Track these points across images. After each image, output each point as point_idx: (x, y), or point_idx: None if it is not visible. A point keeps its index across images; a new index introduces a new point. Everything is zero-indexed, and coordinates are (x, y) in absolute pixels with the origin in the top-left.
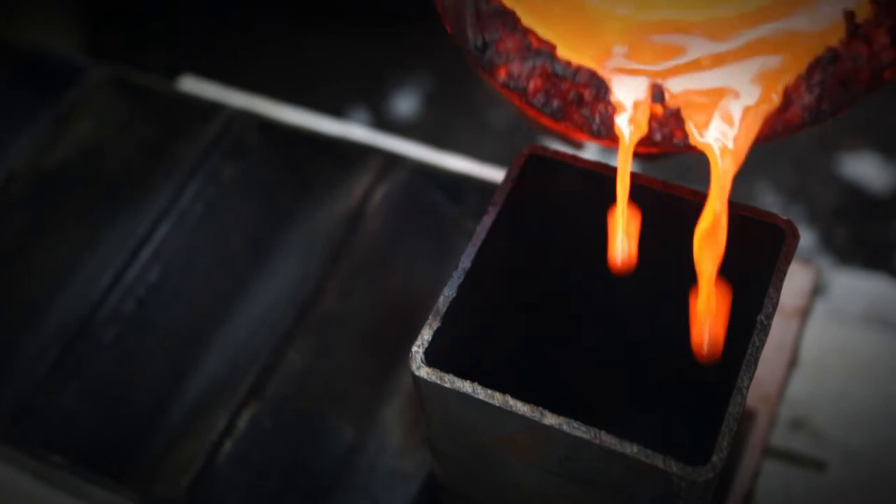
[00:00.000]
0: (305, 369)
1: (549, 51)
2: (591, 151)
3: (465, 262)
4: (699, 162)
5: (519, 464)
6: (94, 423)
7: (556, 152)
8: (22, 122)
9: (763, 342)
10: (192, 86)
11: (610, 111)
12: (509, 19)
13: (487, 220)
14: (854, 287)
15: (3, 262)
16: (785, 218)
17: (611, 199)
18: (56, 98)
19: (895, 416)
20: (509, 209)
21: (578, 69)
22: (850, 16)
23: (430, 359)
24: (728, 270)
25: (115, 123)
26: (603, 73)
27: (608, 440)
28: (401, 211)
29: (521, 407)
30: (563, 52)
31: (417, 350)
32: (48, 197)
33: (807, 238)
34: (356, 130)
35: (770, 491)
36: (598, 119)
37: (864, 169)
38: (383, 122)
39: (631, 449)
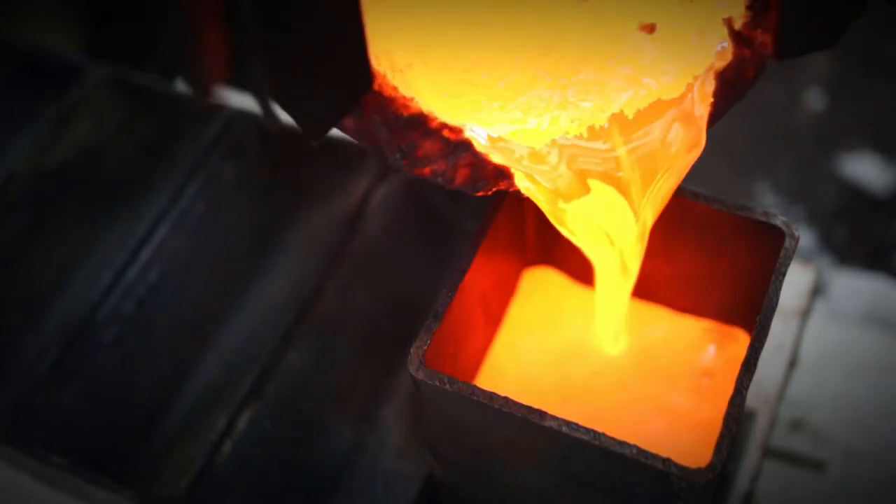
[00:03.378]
0: (305, 370)
1: (467, 141)
2: None
3: (464, 263)
4: (698, 163)
5: (519, 465)
6: (94, 423)
7: None
8: (22, 122)
9: (762, 343)
10: None
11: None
12: (422, 125)
13: (486, 221)
14: (854, 287)
15: (3, 262)
16: (784, 219)
17: None
18: (56, 98)
19: (895, 416)
20: (508, 210)
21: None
22: (729, 24)
23: (429, 360)
24: (728, 271)
25: (115, 123)
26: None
27: (607, 441)
28: (400, 211)
29: (520, 408)
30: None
31: (416, 352)
32: (48, 197)
33: (807, 238)
34: None
35: (770, 491)
36: (523, 186)
37: (864, 169)
38: None
39: (630, 450)
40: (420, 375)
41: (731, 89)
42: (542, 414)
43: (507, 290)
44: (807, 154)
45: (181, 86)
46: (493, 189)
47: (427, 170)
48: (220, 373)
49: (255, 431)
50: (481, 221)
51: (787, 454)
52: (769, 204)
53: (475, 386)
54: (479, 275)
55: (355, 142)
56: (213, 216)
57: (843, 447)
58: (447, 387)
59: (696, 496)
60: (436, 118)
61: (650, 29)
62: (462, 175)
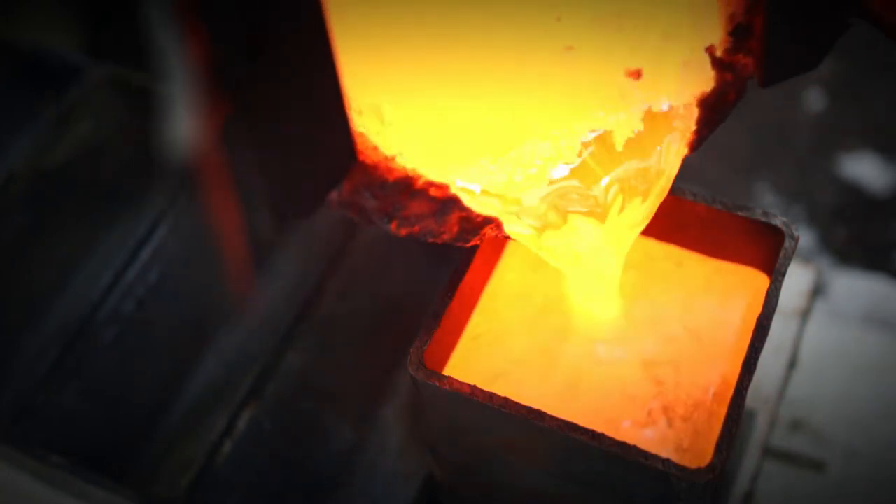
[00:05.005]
0: (305, 370)
1: (454, 198)
2: None
3: (464, 263)
4: (698, 163)
5: (518, 465)
6: (94, 423)
7: None
8: (22, 122)
9: (762, 344)
10: None
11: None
12: (407, 186)
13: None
14: (854, 287)
15: (3, 262)
16: (784, 219)
17: None
18: (56, 98)
19: (895, 416)
20: None
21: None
22: (711, 51)
23: (429, 360)
24: (727, 272)
25: (114, 124)
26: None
27: (608, 442)
28: None
29: (519, 409)
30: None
31: (416, 352)
32: (48, 197)
33: (807, 238)
34: None
35: (770, 491)
36: (511, 231)
37: (864, 169)
38: None
39: (630, 451)
40: (420, 375)
41: (713, 114)
42: (541, 414)
43: None
44: (807, 154)
45: None
46: (482, 237)
47: (416, 228)
48: (220, 373)
49: (255, 431)
50: None
51: (787, 454)
52: (769, 204)
53: (475, 386)
54: (478, 275)
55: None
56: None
57: (843, 447)
58: (447, 387)
59: (696, 496)
60: (420, 177)
61: (637, 75)
62: (452, 231)
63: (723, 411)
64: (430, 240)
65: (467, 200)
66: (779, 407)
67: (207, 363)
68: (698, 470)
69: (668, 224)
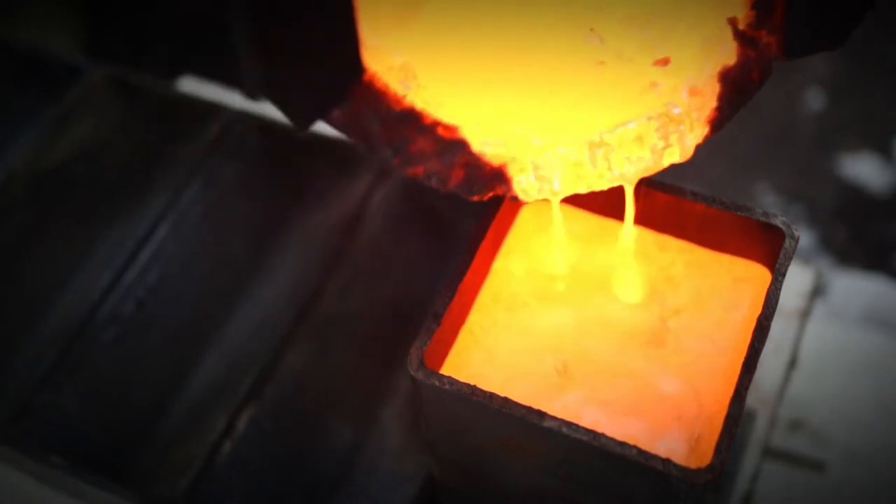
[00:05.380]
0: (305, 370)
1: (462, 140)
2: None
3: (464, 264)
4: (698, 163)
5: (518, 465)
6: (93, 423)
7: None
8: (22, 122)
9: (762, 344)
10: (192, 87)
11: (531, 181)
12: (415, 120)
13: (485, 222)
14: (854, 288)
15: (3, 262)
16: (784, 219)
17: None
18: (56, 98)
19: (895, 417)
20: (507, 210)
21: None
22: (734, 24)
23: (429, 360)
24: (726, 271)
25: (114, 124)
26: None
27: (607, 442)
28: (400, 212)
29: (519, 409)
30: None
31: (416, 352)
32: (48, 197)
33: (807, 238)
34: None
35: (770, 492)
36: (521, 190)
37: (864, 169)
38: None
39: (630, 451)
40: (420, 375)
41: (736, 91)
42: (541, 414)
43: None
44: (807, 154)
45: (185, 85)
46: (490, 193)
47: (420, 169)
48: (220, 373)
49: (255, 431)
50: (480, 221)
51: (787, 454)
52: (769, 204)
53: (475, 386)
54: (478, 275)
55: (345, 137)
56: (212, 216)
57: (843, 447)
58: (447, 387)
59: (696, 497)
60: (430, 115)
61: (665, 62)
62: (457, 176)
63: (723, 411)
64: (435, 184)
65: (477, 147)
66: (779, 407)
67: (207, 363)
68: (698, 470)
69: (669, 224)
